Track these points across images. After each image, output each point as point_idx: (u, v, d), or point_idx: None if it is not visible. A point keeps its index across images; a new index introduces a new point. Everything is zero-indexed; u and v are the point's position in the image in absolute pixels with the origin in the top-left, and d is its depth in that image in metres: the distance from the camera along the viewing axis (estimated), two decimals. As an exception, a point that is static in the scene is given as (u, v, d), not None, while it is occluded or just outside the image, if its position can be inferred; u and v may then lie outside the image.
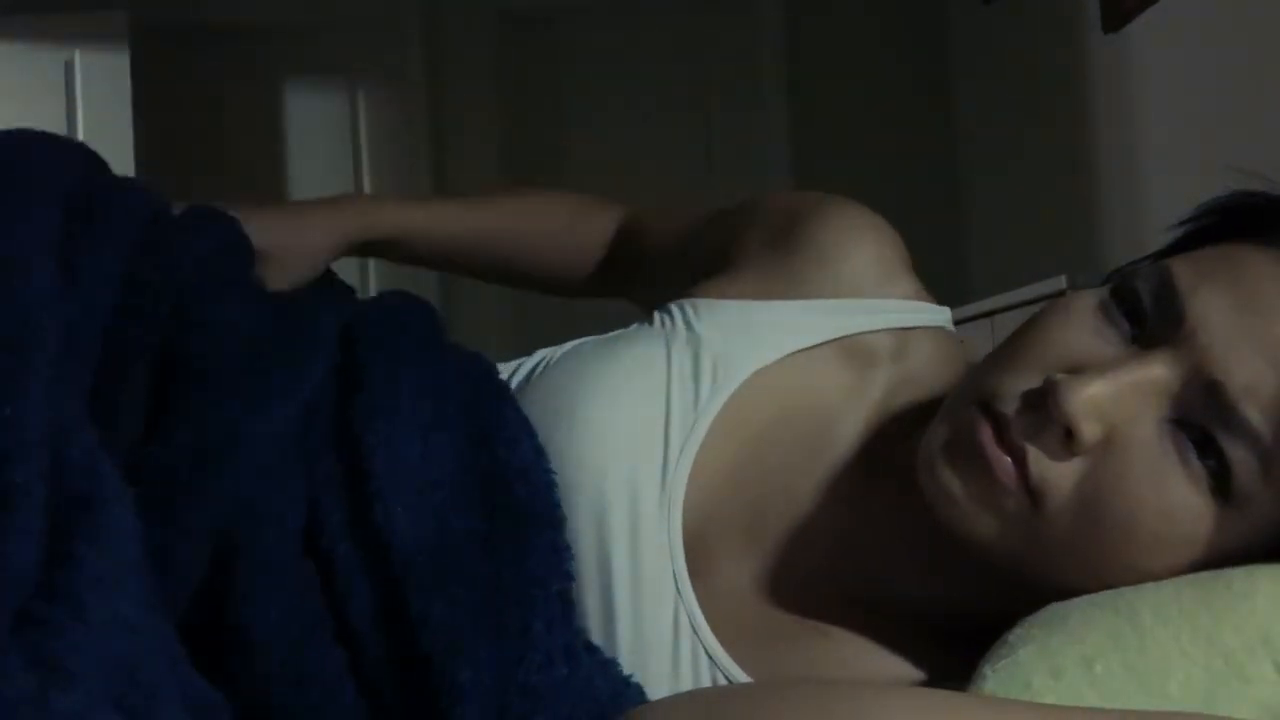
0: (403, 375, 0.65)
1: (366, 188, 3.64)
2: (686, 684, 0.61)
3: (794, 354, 0.68)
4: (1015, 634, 0.54)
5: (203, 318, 0.63)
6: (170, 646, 0.50)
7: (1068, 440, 0.54)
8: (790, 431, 0.67)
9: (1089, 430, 0.54)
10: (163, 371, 0.61)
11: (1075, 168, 2.87)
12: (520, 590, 0.58)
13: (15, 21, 3.22)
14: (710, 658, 0.62)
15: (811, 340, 0.69)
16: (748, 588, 0.65)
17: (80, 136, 3.02)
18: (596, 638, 0.62)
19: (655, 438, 0.65)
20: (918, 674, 0.62)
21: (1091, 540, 0.55)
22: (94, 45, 3.25)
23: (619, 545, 0.63)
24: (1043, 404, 0.55)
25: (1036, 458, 0.55)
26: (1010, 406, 0.56)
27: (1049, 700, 0.50)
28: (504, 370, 0.73)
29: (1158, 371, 0.55)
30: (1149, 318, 0.57)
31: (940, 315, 0.73)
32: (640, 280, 0.90)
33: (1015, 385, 0.57)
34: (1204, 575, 0.54)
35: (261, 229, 0.76)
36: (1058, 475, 0.55)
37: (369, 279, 3.25)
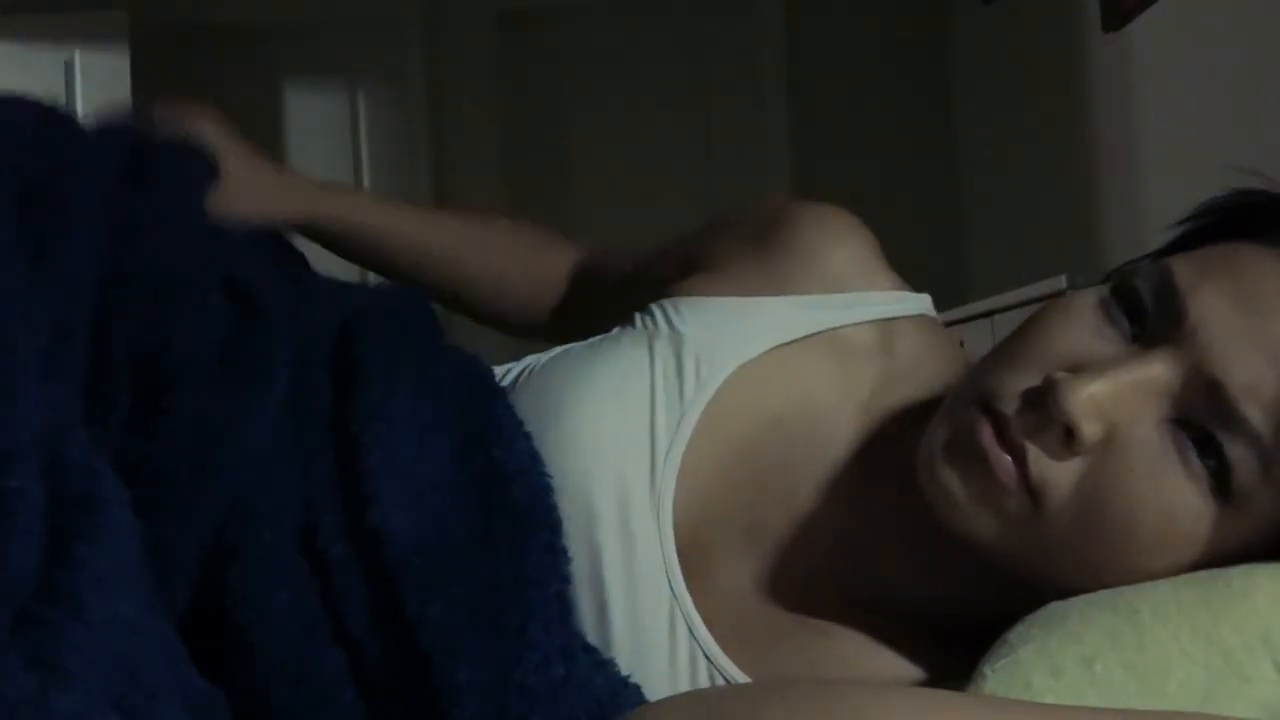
0: (401, 375, 0.65)
1: (366, 187, 3.64)
2: (684, 684, 0.61)
3: (777, 348, 0.68)
4: (1015, 633, 0.54)
5: (185, 311, 0.62)
6: (170, 646, 0.50)
7: (1068, 439, 0.54)
8: (782, 431, 0.67)
9: (1089, 429, 0.54)
10: (146, 368, 0.59)
11: (1075, 167, 2.87)
12: (518, 591, 0.58)
13: (15, 21, 3.22)
14: (708, 658, 0.62)
15: (794, 335, 0.69)
16: (747, 588, 0.65)
17: (80, 136, 3.01)
18: (593, 639, 0.62)
19: (641, 439, 0.65)
20: (918, 674, 0.62)
21: (1091, 540, 0.55)
22: (94, 45, 3.25)
23: (610, 548, 0.63)
24: (1043, 403, 0.54)
25: (1037, 457, 0.55)
26: (1010, 406, 0.56)
27: (1049, 700, 0.50)
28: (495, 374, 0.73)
29: (1158, 371, 0.55)
30: (1149, 316, 0.56)
31: (921, 303, 0.73)
32: (591, 314, 0.85)
33: (1015, 384, 0.56)
34: (1203, 574, 0.54)
35: (244, 167, 0.82)
36: (1058, 475, 0.55)
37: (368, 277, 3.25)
